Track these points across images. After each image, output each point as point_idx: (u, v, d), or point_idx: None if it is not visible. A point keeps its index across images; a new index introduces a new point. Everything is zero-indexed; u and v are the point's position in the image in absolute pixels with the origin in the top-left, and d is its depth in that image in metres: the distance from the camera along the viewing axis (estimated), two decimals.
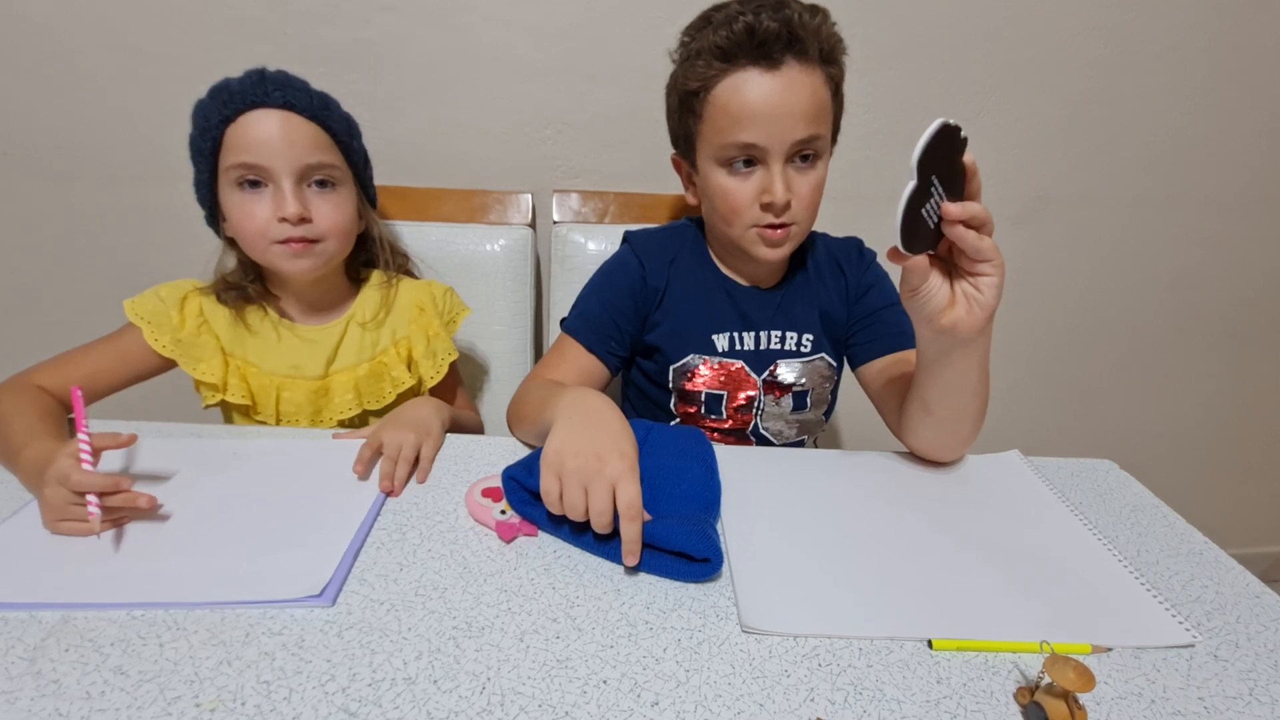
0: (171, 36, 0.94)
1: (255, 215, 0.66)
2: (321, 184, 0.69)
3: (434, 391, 0.81)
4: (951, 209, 0.49)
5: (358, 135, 0.74)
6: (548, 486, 0.50)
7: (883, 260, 0.80)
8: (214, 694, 0.38)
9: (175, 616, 0.43)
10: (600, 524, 0.48)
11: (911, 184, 0.46)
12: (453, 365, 0.82)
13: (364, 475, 0.58)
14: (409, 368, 0.78)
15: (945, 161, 0.48)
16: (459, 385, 0.87)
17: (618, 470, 0.48)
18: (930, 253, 0.52)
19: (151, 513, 0.52)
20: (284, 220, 0.66)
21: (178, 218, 1.02)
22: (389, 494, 0.57)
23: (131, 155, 1.00)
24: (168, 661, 0.40)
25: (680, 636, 0.44)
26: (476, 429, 0.86)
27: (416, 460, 0.60)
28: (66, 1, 0.91)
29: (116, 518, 0.50)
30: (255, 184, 0.66)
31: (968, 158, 0.49)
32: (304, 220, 0.67)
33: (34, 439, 0.56)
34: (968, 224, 0.50)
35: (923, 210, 0.48)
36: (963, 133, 0.48)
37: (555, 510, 0.50)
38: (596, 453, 0.49)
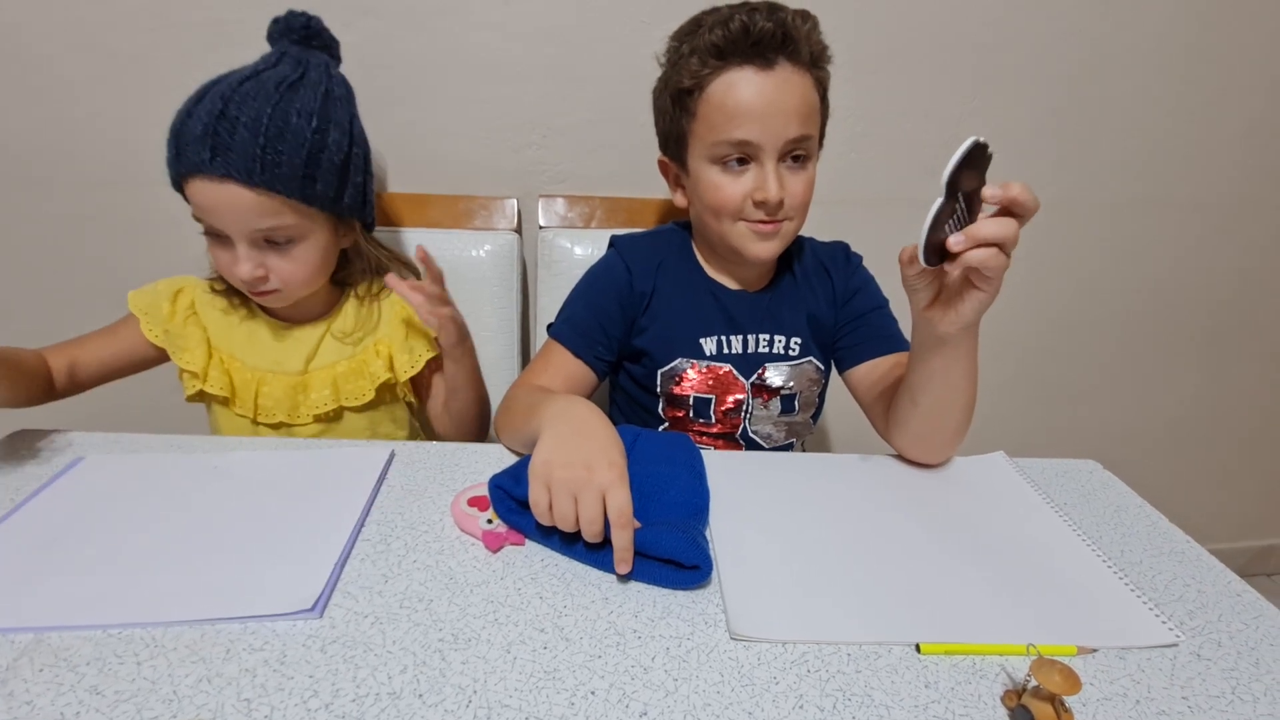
0: (147, 40, 0.92)
1: (220, 259, 0.68)
2: (278, 241, 0.67)
3: (419, 384, 0.81)
4: (956, 242, 0.49)
5: (330, 164, 0.67)
6: (536, 497, 0.49)
7: (869, 264, 0.82)
8: (193, 712, 0.37)
9: (153, 634, 0.42)
10: (591, 533, 0.48)
11: (939, 201, 0.47)
12: (436, 363, 0.80)
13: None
14: (390, 365, 0.77)
15: (972, 178, 0.48)
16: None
17: (607, 479, 0.48)
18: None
19: None
20: (243, 280, 0.67)
21: (154, 222, 1.01)
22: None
23: (106, 159, 0.98)
24: (145, 680, 0.39)
25: (669, 645, 0.43)
26: (480, 399, 0.82)
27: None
28: (39, 4, 0.90)
29: None
30: (219, 237, 0.66)
31: (989, 191, 0.48)
32: (262, 278, 0.67)
33: None
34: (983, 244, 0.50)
35: (945, 226, 0.49)
36: (989, 150, 0.48)
37: (545, 521, 0.49)
38: (585, 462, 0.49)
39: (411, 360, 0.78)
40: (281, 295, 0.70)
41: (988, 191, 0.49)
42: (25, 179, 0.99)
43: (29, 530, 0.51)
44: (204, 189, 0.63)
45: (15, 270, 1.05)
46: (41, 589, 0.45)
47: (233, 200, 0.63)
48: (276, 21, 0.72)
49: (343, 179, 0.70)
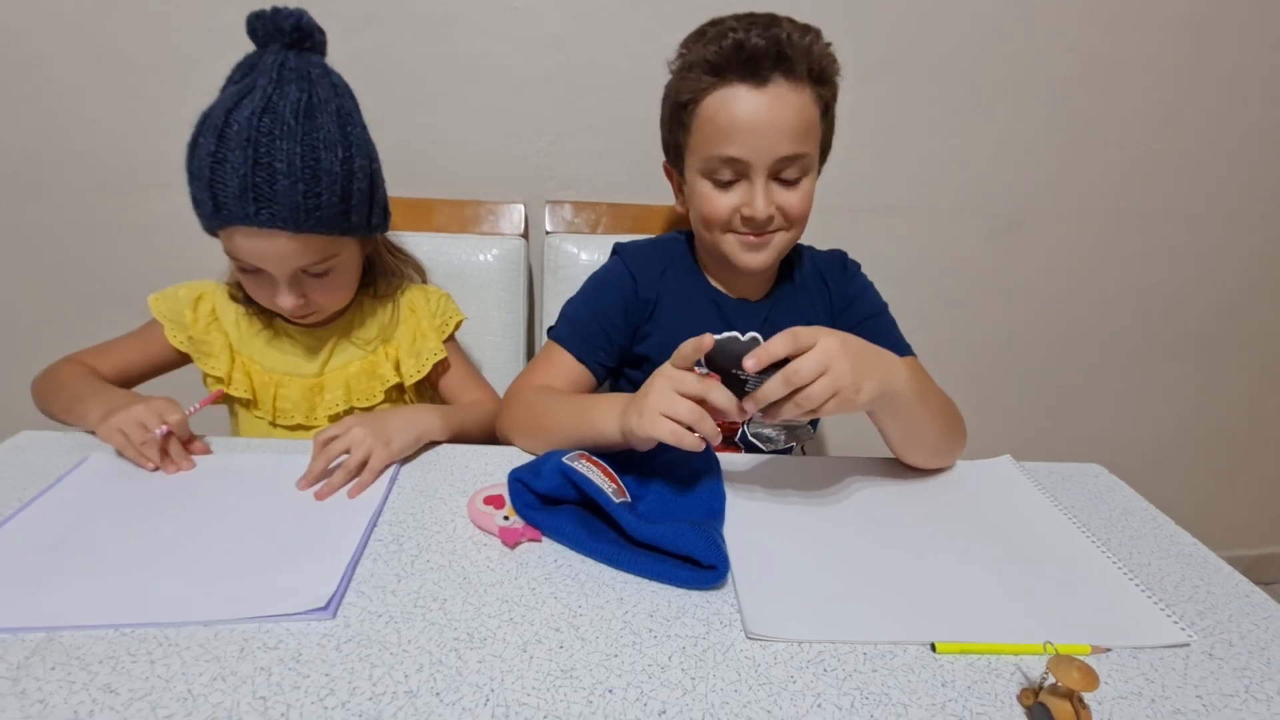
0: (148, 45, 0.93)
1: (257, 291, 0.69)
2: (317, 272, 0.68)
3: (422, 389, 0.80)
4: (747, 410, 0.52)
5: (359, 192, 0.67)
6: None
7: (866, 271, 0.83)
8: (208, 711, 0.37)
9: (166, 632, 0.42)
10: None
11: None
12: (453, 362, 0.81)
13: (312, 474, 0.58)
14: (397, 368, 0.78)
15: (734, 361, 0.51)
16: (468, 378, 0.82)
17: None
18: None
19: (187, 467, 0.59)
20: (285, 310, 0.68)
21: (149, 227, 1.01)
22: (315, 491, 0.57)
23: (104, 164, 0.99)
24: (159, 679, 0.38)
25: (685, 644, 0.43)
26: (487, 426, 0.76)
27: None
28: (39, 9, 0.90)
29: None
30: (255, 271, 0.67)
31: (748, 363, 0.50)
32: (303, 305, 0.69)
33: (103, 390, 0.66)
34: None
35: (744, 389, 0.52)
36: (735, 344, 0.52)
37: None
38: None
39: (418, 365, 0.78)
40: (316, 315, 0.72)
41: (748, 363, 0.49)
42: (24, 182, 0.99)
43: (39, 529, 0.50)
44: (248, 239, 0.63)
45: (16, 273, 1.05)
46: (53, 588, 0.45)
47: (278, 248, 0.64)
48: (260, 18, 0.63)
49: (371, 201, 0.70)
